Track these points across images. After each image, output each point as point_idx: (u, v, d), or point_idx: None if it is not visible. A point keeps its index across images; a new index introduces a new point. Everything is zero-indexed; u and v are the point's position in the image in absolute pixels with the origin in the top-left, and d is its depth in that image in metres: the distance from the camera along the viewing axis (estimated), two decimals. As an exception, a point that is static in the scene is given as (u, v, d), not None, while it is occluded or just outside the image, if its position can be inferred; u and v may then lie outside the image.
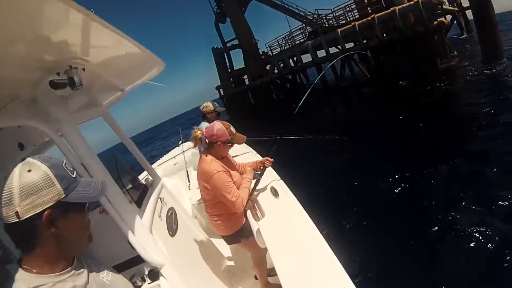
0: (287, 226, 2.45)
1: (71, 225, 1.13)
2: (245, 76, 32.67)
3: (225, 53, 34.91)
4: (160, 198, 3.01)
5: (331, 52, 22.06)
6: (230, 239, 2.98)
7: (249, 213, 2.83)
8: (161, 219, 2.78)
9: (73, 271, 1.15)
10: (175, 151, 7.12)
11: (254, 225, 2.65)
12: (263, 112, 26.23)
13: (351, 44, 21.62)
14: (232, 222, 2.84)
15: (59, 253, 1.11)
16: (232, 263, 3.55)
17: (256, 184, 2.92)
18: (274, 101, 28.69)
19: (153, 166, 6.46)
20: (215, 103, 4.44)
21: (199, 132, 2.86)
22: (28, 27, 1.22)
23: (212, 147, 2.74)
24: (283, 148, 3.09)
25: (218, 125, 2.71)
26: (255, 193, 2.95)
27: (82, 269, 1.20)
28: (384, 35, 19.53)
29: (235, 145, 4.78)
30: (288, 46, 27.86)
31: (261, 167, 2.97)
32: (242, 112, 30.07)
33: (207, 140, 2.76)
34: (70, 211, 1.12)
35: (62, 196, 1.08)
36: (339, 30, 21.00)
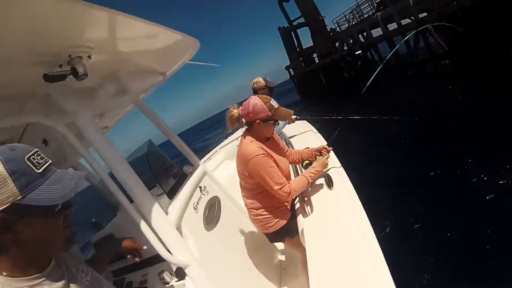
0: (335, 226, 1.96)
1: (33, 230, 0.97)
2: (315, 55, 31.89)
3: (292, 32, 34.17)
4: (200, 187, 2.83)
5: (403, 24, 19.57)
6: (272, 237, 2.56)
7: (297, 207, 2.43)
8: (196, 211, 2.59)
9: (49, 275, 1.04)
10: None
11: (300, 222, 2.25)
12: (334, 91, 25.14)
13: (425, 14, 18.55)
14: (275, 217, 2.42)
15: (26, 258, 0.99)
16: (284, 257, 3.22)
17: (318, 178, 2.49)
18: (345, 79, 27.25)
19: (216, 148, 6.41)
20: (267, 77, 3.96)
21: (235, 111, 2.37)
22: (22, 22, 1.20)
23: (252, 127, 2.31)
24: (347, 130, 2.72)
25: (254, 100, 2.26)
26: None
27: (59, 272, 1.09)
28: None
29: (294, 124, 4.54)
30: (356, 21, 25.75)
31: (317, 156, 2.54)
32: (313, 91, 29.41)
33: (243, 120, 2.34)
34: (28, 215, 0.94)
35: (18, 198, 0.90)
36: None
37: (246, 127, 2.37)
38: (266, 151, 2.22)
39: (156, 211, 2.06)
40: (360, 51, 24.73)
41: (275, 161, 2.25)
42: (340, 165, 2.68)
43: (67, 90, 1.97)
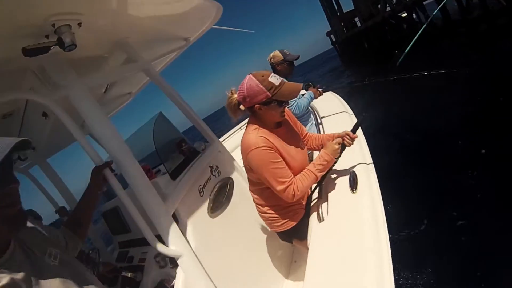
0: (348, 238, 1.68)
1: None
2: (356, 19, 30.27)
3: None
4: (211, 167, 2.65)
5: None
6: (280, 236, 2.31)
7: (313, 205, 2.16)
8: (201, 194, 2.42)
9: (7, 262, 0.95)
10: None
11: (311, 226, 2.01)
12: (378, 55, 23.02)
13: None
14: (282, 218, 2.14)
15: None
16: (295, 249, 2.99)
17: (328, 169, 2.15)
18: (390, 43, 25.36)
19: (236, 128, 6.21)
20: (286, 50, 3.49)
21: (234, 96, 2.01)
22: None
23: (254, 112, 1.97)
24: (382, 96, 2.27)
25: (248, 81, 1.87)
26: (324, 182, 2.21)
27: (20, 257, 1.01)
28: None
29: (323, 102, 4.20)
30: None
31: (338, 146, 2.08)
32: (356, 57, 28.15)
33: (241, 107, 2.00)
34: None
35: None
36: None
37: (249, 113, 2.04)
38: (270, 143, 1.88)
39: (151, 197, 1.95)
40: (405, 13, 22.99)
41: (282, 154, 1.93)
42: (371, 160, 2.32)
43: (61, 62, 1.85)
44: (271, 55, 3.50)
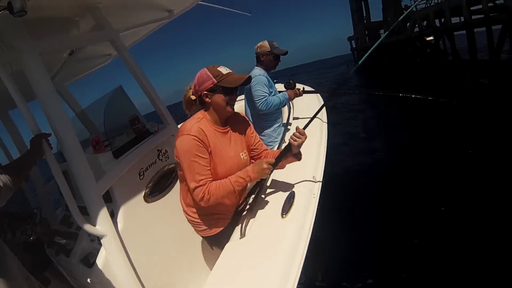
0: (257, 263, 1.60)
1: None
2: (382, 31, 30.16)
3: (362, 1, 31.90)
4: (159, 150, 2.65)
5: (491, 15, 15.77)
6: (205, 239, 2.33)
7: (240, 218, 2.09)
8: (141, 177, 2.46)
9: None
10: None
11: (232, 239, 1.96)
12: (394, 73, 22.72)
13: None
14: (206, 223, 2.14)
15: None
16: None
17: (259, 185, 2.16)
18: (408, 64, 25.35)
19: None
20: (275, 42, 3.42)
21: (191, 91, 2.04)
22: None
23: (204, 104, 1.97)
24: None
25: (199, 72, 1.93)
26: (262, 195, 2.15)
27: None
28: None
29: (303, 103, 4.14)
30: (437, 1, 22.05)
31: (278, 154, 2.02)
32: (372, 69, 28.04)
33: (192, 97, 2.02)
34: None
35: None
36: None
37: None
38: (204, 136, 1.85)
39: (83, 173, 2.00)
40: (432, 38, 22.75)
41: (212, 153, 1.90)
42: (321, 179, 2.24)
43: (16, 23, 1.83)
44: (259, 44, 3.45)
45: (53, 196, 3.48)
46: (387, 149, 7.40)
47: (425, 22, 22.20)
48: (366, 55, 2.45)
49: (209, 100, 1.91)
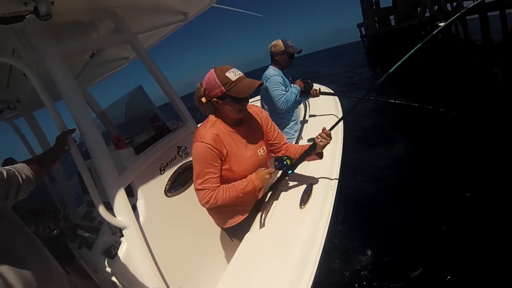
0: (275, 252, 1.70)
1: None
2: (392, 17, 29.59)
3: None
4: (179, 147, 2.77)
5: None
6: (225, 231, 2.41)
7: (260, 210, 2.16)
8: (162, 172, 2.58)
9: None
10: None
11: (251, 229, 2.05)
12: (404, 63, 22.99)
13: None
14: (225, 214, 2.25)
15: None
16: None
17: (281, 179, 2.19)
18: (420, 51, 24.69)
19: None
20: (289, 41, 3.44)
21: (201, 89, 2.02)
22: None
23: (214, 106, 1.99)
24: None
25: (208, 75, 1.91)
26: (280, 188, 2.24)
27: None
28: None
29: (318, 101, 4.25)
30: None
31: (303, 152, 2.10)
32: (383, 55, 27.60)
33: (203, 99, 2.00)
34: None
35: None
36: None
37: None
38: (219, 140, 1.92)
39: (106, 167, 2.11)
40: (443, 22, 22.18)
41: (228, 154, 1.97)
42: (337, 176, 2.29)
43: (41, 27, 1.94)
44: (273, 43, 3.47)
45: (75, 194, 3.62)
46: (397, 154, 7.35)
47: (436, 7, 21.66)
48: (398, 63, 2.30)
49: (220, 106, 1.95)
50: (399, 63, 2.27)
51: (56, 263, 1.21)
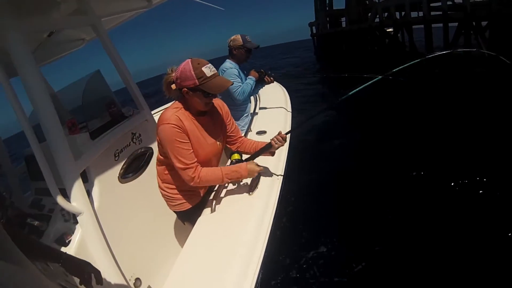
0: (226, 234, 1.85)
1: None
2: (343, 19, 30.80)
3: None
4: (134, 134, 2.79)
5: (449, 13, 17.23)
6: (177, 215, 2.52)
7: (211, 195, 2.34)
8: (116, 158, 2.59)
9: None
10: None
11: (203, 214, 2.17)
12: (352, 61, 23.82)
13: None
14: (179, 198, 2.32)
15: None
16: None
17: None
18: (367, 53, 25.87)
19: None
20: (247, 36, 3.57)
21: (173, 75, 2.09)
22: None
23: (182, 95, 2.06)
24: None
25: (185, 64, 1.97)
26: None
27: None
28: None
29: (268, 94, 4.43)
30: None
31: (258, 150, 2.28)
32: (331, 56, 28.46)
33: (173, 86, 2.09)
34: None
35: None
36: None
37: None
38: (182, 124, 2.00)
39: (62, 151, 2.05)
40: (391, 29, 23.59)
41: (191, 140, 2.05)
42: (282, 173, 2.47)
43: (3, 1, 1.87)
44: (232, 37, 3.59)
45: (21, 181, 3.47)
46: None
47: (386, 14, 22.92)
48: (359, 88, 2.19)
49: (189, 97, 2.02)
50: (362, 86, 2.24)
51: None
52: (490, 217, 4.11)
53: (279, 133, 2.19)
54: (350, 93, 2.21)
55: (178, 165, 2.00)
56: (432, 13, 18.72)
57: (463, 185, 4.91)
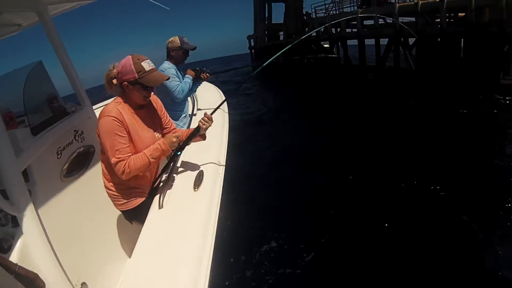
0: (176, 230, 1.88)
1: None
2: (281, 33, 31.86)
3: (266, 4, 34.38)
4: (76, 131, 2.69)
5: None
6: (123, 214, 2.49)
7: (157, 192, 2.30)
8: (59, 156, 2.47)
9: None
10: None
11: (151, 210, 2.15)
12: (289, 72, 25.15)
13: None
14: (125, 196, 2.32)
15: None
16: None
17: (172, 160, 2.42)
18: (303, 65, 27.22)
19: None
20: (185, 37, 3.72)
21: (113, 71, 2.19)
22: None
23: (123, 89, 2.15)
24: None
25: (125, 60, 2.09)
26: (174, 174, 2.41)
27: None
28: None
29: (204, 94, 4.49)
30: (334, 12, 25.67)
31: (189, 135, 2.32)
32: (267, 69, 29.13)
33: (114, 81, 2.17)
34: None
35: None
36: (397, 4, 18.45)
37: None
38: (122, 117, 2.07)
39: (2, 148, 1.90)
40: (327, 44, 24.85)
41: (130, 132, 2.12)
42: (224, 163, 2.57)
43: None
44: (170, 39, 3.69)
45: None
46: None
47: (322, 29, 24.09)
48: (269, 60, 2.75)
49: (129, 90, 2.13)
50: (274, 57, 2.76)
51: None
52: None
53: (205, 114, 2.29)
54: (264, 65, 2.77)
55: (112, 158, 2.02)
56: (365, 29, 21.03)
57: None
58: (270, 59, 2.69)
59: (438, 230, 4.36)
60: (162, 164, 2.51)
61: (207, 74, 3.94)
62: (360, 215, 4.70)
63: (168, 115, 2.59)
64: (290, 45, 2.93)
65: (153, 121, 2.37)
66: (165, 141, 2.18)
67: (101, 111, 2.07)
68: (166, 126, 2.52)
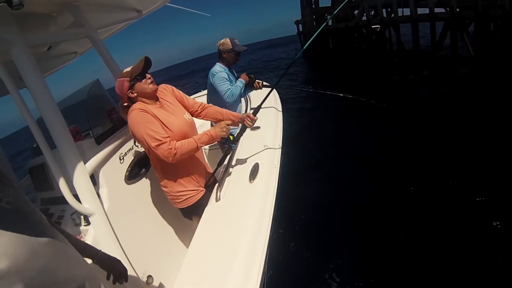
0: (233, 222, 1.97)
1: None
2: (329, 16, 30.67)
3: None
4: None
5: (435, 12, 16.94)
6: (182, 212, 2.65)
7: (214, 187, 2.45)
8: (122, 161, 2.74)
9: None
10: None
11: (209, 203, 2.32)
12: (339, 59, 24.16)
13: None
14: (183, 194, 2.48)
15: None
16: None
17: (227, 154, 2.61)
18: (354, 51, 26.08)
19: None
20: (236, 39, 3.78)
21: (120, 102, 2.46)
22: None
23: (134, 99, 2.33)
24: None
25: (116, 84, 2.35)
26: (230, 168, 2.58)
27: None
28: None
29: (259, 94, 4.47)
30: None
31: (239, 128, 2.52)
32: (317, 54, 28.49)
33: (124, 105, 2.39)
34: None
35: None
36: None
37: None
38: (148, 109, 2.23)
39: (72, 157, 2.17)
40: (378, 26, 23.58)
41: (161, 119, 2.26)
42: (279, 159, 2.64)
43: (7, 15, 1.97)
44: (221, 41, 3.77)
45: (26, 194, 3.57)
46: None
47: (372, 12, 22.88)
48: (311, 38, 2.87)
49: (135, 93, 2.30)
50: (313, 37, 2.94)
51: None
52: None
53: (248, 115, 2.51)
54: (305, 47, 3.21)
55: (152, 144, 2.13)
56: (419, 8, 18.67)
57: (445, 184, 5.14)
58: (308, 42, 2.99)
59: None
60: (216, 161, 2.69)
61: (260, 84, 4.03)
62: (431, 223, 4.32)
63: (189, 97, 2.69)
64: (323, 24, 3.28)
65: (175, 106, 2.48)
66: (216, 128, 2.33)
67: (128, 115, 2.26)
68: (192, 107, 2.63)
